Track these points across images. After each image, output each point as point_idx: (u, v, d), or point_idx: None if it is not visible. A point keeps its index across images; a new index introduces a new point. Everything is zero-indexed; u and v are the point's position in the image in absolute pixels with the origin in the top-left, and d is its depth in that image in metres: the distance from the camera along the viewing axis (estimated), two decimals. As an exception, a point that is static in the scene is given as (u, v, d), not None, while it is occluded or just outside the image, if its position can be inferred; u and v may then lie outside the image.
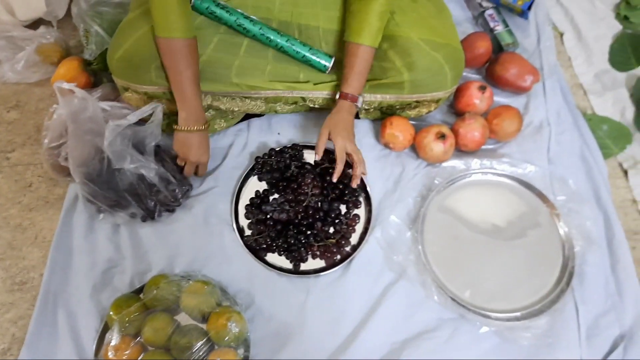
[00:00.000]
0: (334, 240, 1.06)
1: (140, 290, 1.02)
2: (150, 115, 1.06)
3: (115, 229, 1.12)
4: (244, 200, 1.15)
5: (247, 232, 1.11)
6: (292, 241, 1.06)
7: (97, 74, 1.26)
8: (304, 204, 1.07)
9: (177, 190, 1.12)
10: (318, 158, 1.07)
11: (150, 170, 1.05)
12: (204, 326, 0.98)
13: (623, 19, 1.39)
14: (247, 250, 1.08)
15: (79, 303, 1.04)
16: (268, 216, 1.09)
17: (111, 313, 0.97)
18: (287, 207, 1.08)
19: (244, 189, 1.16)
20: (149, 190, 1.08)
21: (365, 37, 1.04)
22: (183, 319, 1.00)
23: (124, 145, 1.03)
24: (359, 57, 1.05)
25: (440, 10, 1.19)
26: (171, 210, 1.13)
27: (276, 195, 1.13)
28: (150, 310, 0.98)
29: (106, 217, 1.11)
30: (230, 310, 0.97)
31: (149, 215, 1.11)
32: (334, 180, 1.06)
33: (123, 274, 1.07)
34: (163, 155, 1.15)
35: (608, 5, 1.43)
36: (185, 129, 1.05)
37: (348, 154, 1.06)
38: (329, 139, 1.06)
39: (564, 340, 0.97)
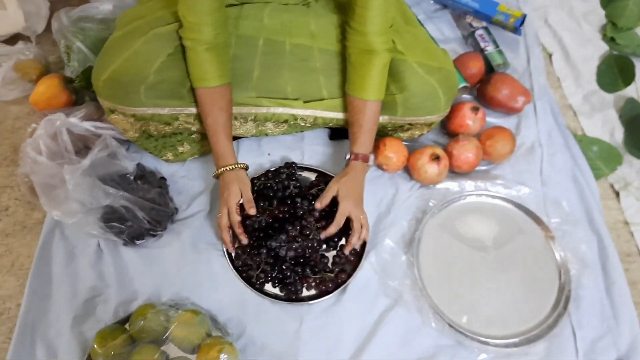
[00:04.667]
0: (332, 275, 1.03)
1: (125, 320, 0.98)
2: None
3: (99, 256, 1.07)
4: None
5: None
6: (288, 273, 1.02)
7: (78, 92, 1.21)
8: (310, 237, 1.02)
9: (160, 215, 1.08)
10: (319, 206, 1.03)
11: (123, 200, 1.02)
12: (193, 357, 0.94)
13: (609, 40, 1.41)
14: (238, 277, 1.04)
15: (59, 335, 0.98)
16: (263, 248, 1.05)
17: (95, 346, 0.92)
18: (296, 245, 1.02)
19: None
20: (128, 216, 1.04)
21: (370, 92, 1.02)
22: (171, 350, 0.95)
23: (90, 185, 0.99)
24: (366, 114, 1.03)
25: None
26: (154, 235, 1.09)
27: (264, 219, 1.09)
28: (137, 342, 0.94)
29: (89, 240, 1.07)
30: (222, 341, 0.93)
31: (130, 240, 1.07)
32: (322, 237, 1.02)
33: (107, 304, 1.02)
34: (147, 178, 1.11)
35: (595, 26, 1.45)
36: (216, 174, 1.03)
37: (350, 218, 1.02)
38: (335, 195, 1.03)
39: (563, 366, 0.96)
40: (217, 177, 1.04)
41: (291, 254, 1.01)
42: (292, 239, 1.01)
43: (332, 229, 1.01)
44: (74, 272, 1.05)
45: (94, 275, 1.05)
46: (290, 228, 1.02)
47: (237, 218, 1.01)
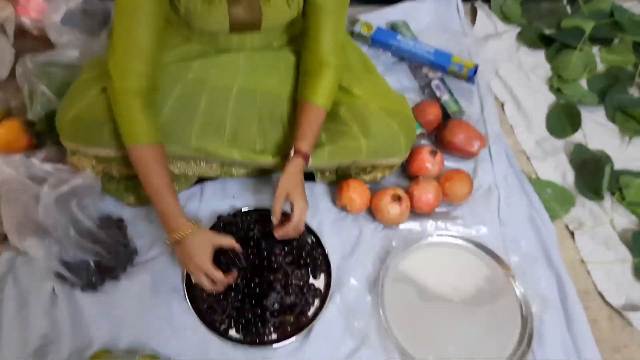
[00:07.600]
0: (291, 318, 1.02)
1: (79, 368, 0.93)
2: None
3: (53, 301, 1.02)
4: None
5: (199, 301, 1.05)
6: (249, 315, 1.00)
7: (40, 136, 1.18)
8: (276, 273, 1.03)
9: (119, 258, 1.05)
10: (276, 221, 1.03)
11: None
12: (151, 407, 0.89)
13: (556, 90, 1.50)
14: (199, 321, 1.01)
15: (7, 387, 0.92)
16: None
17: (44, 396, 0.87)
18: (280, 296, 1.02)
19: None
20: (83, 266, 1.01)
21: (319, 97, 1.05)
22: (127, 399, 0.91)
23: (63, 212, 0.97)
24: (313, 115, 1.04)
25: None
26: (114, 278, 1.05)
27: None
28: (90, 391, 0.89)
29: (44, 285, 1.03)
30: (181, 388, 0.89)
31: (89, 285, 1.03)
32: (277, 235, 1.03)
33: (59, 352, 0.96)
34: (103, 222, 1.09)
35: (542, 78, 1.54)
36: (174, 240, 0.96)
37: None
38: (287, 199, 1.02)
39: (529, 404, 0.96)
40: (175, 243, 0.96)
41: (277, 306, 1.01)
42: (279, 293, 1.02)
43: (293, 226, 1.02)
44: (25, 320, 0.99)
45: (47, 322, 0.99)
46: (275, 283, 1.02)
47: (219, 275, 0.96)
